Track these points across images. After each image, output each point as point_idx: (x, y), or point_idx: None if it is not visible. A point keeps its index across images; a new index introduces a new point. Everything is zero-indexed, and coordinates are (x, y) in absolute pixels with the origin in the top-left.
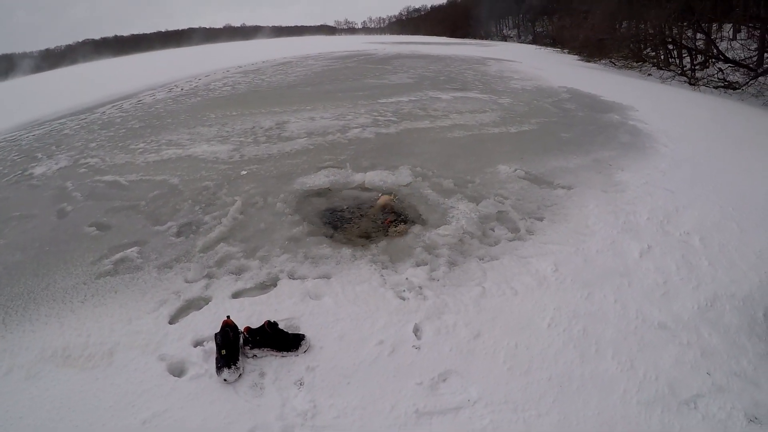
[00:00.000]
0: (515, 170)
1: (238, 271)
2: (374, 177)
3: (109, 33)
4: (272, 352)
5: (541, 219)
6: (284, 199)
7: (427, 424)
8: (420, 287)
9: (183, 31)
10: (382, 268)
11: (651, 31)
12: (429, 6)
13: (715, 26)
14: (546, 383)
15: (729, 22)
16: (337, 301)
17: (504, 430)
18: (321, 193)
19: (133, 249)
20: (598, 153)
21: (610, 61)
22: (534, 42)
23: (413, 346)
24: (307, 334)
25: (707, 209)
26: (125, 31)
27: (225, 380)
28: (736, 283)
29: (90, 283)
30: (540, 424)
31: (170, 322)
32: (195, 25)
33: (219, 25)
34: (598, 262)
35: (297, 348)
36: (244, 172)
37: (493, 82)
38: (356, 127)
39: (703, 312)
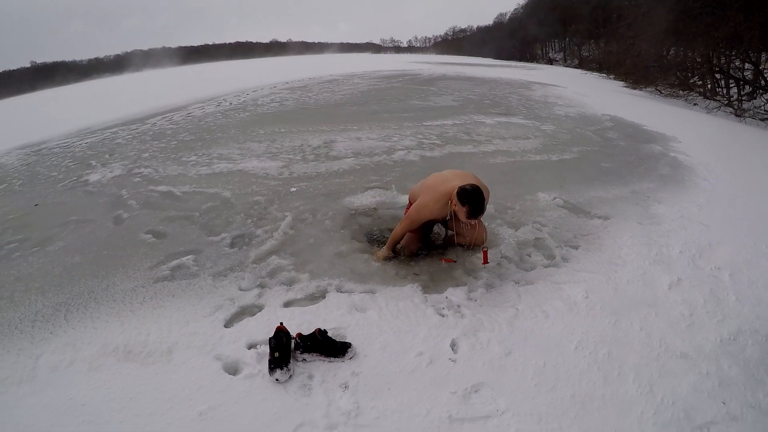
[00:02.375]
0: (554, 198)
1: (289, 283)
2: None
3: (158, 44)
4: (321, 357)
5: (576, 247)
6: (332, 217)
7: (459, 429)
8: (458, 306)
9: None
10: (423, 287)
11: (698, 59)
12: (475, 27)
13: (764, 56)
14: (569, 400)
15: None
16: (381, 314)
17: None
18: (367, 212)
19: (188, 257)
20: (636, 184)
21: (656, 89)
22: (580, 66)
23: (449, 359)
24: (353, 343)
25: (740, 246)
26: (174, 44)
27: (277, 380)
28: (761, 320)
29: (148, 286)
30: None
31: (225, 326)
32: (242, 40)
33: (266, 40)
34: (627, 292)
35: (344, 355)
36: (294, 189)
37: (537, 107)
38: (401, 149)
39: (725, 345)
